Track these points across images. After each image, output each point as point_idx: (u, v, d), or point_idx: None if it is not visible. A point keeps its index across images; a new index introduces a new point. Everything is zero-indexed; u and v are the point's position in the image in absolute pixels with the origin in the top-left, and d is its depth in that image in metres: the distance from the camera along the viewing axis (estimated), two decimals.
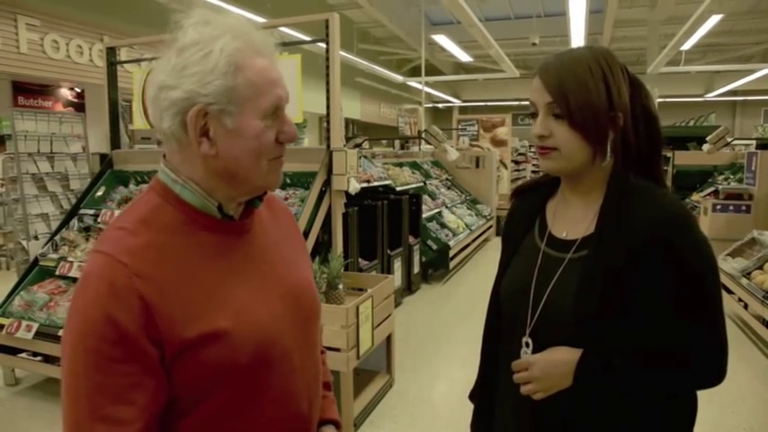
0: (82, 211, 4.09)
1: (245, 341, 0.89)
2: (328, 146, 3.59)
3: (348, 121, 16.48)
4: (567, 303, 1.06)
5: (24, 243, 5.13)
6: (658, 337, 1.03)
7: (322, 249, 3.55)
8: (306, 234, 3.35)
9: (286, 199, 3.67)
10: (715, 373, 1.06)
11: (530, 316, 1.12)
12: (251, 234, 1.00)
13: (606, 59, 1.09)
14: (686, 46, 11.27)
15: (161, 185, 0.93)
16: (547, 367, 1.07)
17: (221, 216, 0.93)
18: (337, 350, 2.93)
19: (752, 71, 15.13)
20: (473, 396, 1.36)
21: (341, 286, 3.19)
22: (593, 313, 1.03)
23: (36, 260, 3.94)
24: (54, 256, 3.84)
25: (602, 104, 1.06)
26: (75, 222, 4.05)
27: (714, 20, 8.92)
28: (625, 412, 1.07)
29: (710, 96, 19.59)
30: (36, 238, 5.08)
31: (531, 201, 1.26)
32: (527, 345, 1.12)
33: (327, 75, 3.51)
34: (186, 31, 0.88)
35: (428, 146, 8.50)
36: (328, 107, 3.55)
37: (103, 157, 4.64)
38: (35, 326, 3.43)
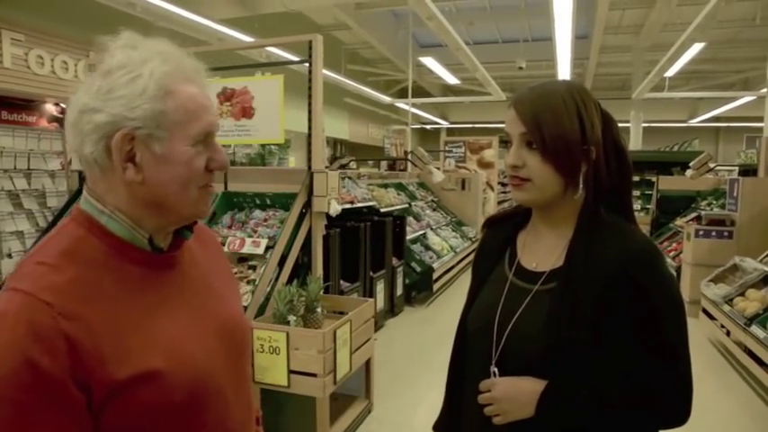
0: None
1: (179, 380, 0.84)
2: (309, 167, 3.56)
3: (336, 142, 16.51)
4: (533, 334, 1.05)
5: None
6: (623, 374, 1.03)
7: (301, 272, 3.49)
8: (285, 256, 3.30)
9: (266, 220, 3.63)
10: (679, 413, 1.05)
11: (494, 345, 1.10)
12: (181, 266, 0.96)
13: (581, 94, 1.10)
14: (670, 72, 11.45)
15: (84, 216, 0.88)
16: (508, 391, 1.06)
17: (151, 248, 0.89)
18: (314, 375, 2.85)
19: (733, 98, 15.43)
20: (437, 426, 1.33)
21: (319, 309, 3.13)
22: (560, 346, 1.02)
23: None
24: None
25: (576, 137, 1.06)
26: None
27: (696, 48, 9.09)
28: None
29: (694, 122, 19.88)
30: (9, 256, 4.99)
31: (502, 231, 1.26)
32: (494, 374, 1.10)
33: (310, 96, 3.50)
34: (113, 53, 0.85)
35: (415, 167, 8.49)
36: (310, 128, 3.53)
37: (82, 174, 4.58)
38: None
